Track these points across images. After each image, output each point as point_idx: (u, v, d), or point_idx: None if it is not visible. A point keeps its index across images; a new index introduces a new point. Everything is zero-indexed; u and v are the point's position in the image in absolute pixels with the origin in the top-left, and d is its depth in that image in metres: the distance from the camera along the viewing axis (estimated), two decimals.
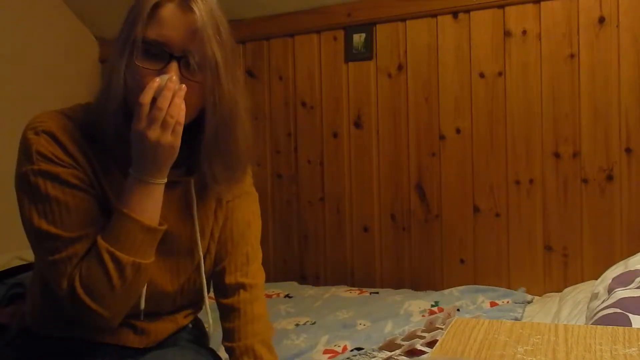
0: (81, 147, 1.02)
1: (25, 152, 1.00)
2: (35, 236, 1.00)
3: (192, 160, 1.08)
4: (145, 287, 1.07)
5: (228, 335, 1.17)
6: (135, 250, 0.98)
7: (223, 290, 1.19)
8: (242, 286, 1.18)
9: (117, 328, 1.09)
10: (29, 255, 1.61)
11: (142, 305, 1.08)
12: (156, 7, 0.98)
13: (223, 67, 1.00)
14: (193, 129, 1.04)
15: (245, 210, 1.22)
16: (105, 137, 1.02)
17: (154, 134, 0.94)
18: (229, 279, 1.18)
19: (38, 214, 0.99)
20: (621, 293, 1.38)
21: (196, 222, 1.13)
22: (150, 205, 0.99)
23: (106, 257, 0.97)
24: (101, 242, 0.98)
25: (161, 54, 0.98)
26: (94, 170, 1.04)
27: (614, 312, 1.29)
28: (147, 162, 0.97)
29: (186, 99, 0.97)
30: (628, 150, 2.15)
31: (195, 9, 0.98)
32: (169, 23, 0.98)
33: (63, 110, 1.07)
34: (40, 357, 1.11)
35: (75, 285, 0.97)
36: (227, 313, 1.18)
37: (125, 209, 0.98)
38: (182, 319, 1.21)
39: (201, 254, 1.14)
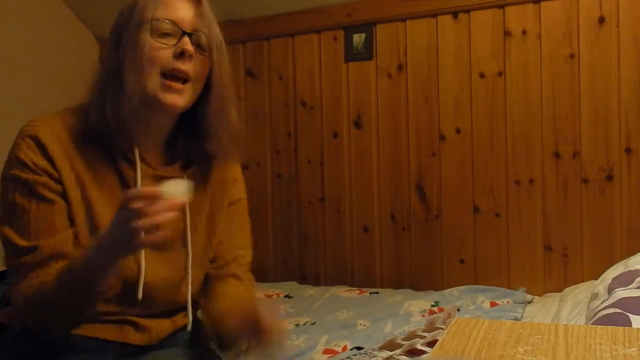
0: (68, 152, 1.05)
1: (9, 155, 1.05)
2: (1, 238, 1.05)
3: (187, 156, 1.14)
4: (142, 280, 1.08)
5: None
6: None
7: (212, 284, 1.22)
8: (234, 277, 1.22)
9: (119, 325, 1.11)
10: None
11: (140, 295, 1.08)
12: None
13: (224, 46, 1.12)
14: (189, 115, 1.11)
15: (240, 212, 1.27)
16: (109, 126, 1.04)
17: (136, 224, 0.87)
18: (220, 274, 1.21)
19: (2, 218, 1.03)
20: (621, 293, 1.38)
21: (187, 218, 1.14)
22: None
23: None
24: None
25: (172, 32, 1.06)
26: (78, 177, 1.05)
27: (614, 312, 1.29)
28: (112, 240, 0.93)
29: (196, 72, 1.07)
30: (628, 150, 2.15)
31: None
32: (176, 5, 1.08)
33: (62, 111, 1.09)
34: (40, 357, 1.10)
35: (21, 298, 1.01)
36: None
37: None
38: (182, 319, 1.21)
39: (190, 249, 1.15)
